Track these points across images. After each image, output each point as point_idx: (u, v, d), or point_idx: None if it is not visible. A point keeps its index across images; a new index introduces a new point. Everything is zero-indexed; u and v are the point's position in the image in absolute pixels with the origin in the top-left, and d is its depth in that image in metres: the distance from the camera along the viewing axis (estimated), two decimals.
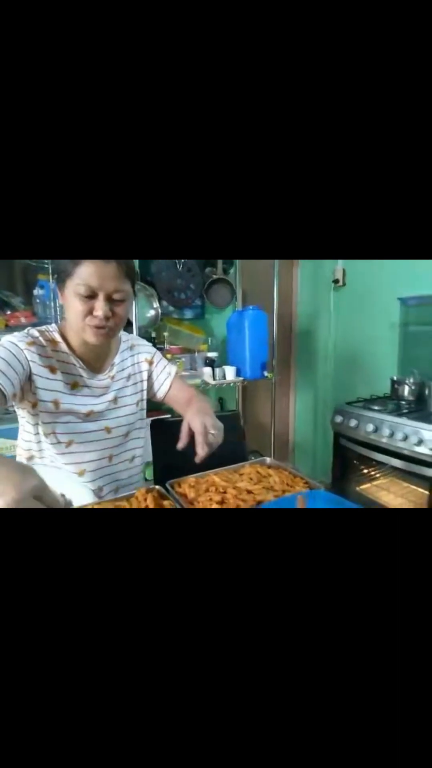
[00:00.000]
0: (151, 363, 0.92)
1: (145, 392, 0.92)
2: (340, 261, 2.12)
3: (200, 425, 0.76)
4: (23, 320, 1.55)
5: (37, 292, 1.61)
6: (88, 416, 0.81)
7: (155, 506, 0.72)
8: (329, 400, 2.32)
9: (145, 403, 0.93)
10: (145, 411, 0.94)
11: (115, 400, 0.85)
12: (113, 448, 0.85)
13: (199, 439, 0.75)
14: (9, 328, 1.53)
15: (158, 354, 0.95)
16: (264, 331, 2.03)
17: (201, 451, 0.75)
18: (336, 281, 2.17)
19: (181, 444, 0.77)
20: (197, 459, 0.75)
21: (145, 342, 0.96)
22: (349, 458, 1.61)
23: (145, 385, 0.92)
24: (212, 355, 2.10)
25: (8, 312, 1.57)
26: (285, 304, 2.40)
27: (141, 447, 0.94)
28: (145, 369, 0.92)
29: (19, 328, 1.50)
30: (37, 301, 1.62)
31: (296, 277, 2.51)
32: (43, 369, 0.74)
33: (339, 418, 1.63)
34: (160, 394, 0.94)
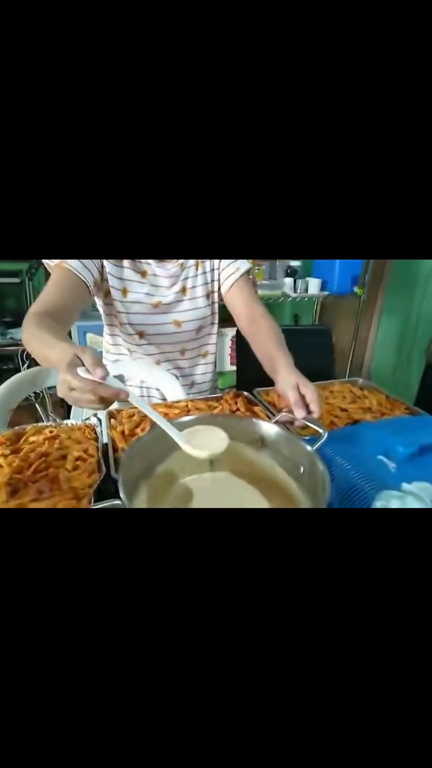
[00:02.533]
0: None
1: (216, 283, 0.85)
2: None
3: (315, 396, 0.56)
4: None
5: None
6: (156, 307, 0.80)
7: (245, 409, 0.72)
8: (423, 328, 2.04)
9: (216, 296, 0.87)
10: (216, 305, 0.89)
11: (183, 290, 0.82)
12: (185, 342, 0.85)
13: (315, 407, 0.55)
14: None
15: None
16: None
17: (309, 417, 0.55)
18: None
19: (298, 413, 0.56)
20: (296, 427, 0.59)
21: None
22: None
23: (216, 275, 0.84)
24: (295, 264, 1.89)
25: None
26: None
27: (213, 344, 0.92)
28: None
29: None
30: None
31: None
32: None
33: None
34: (222, 291, 0.86)
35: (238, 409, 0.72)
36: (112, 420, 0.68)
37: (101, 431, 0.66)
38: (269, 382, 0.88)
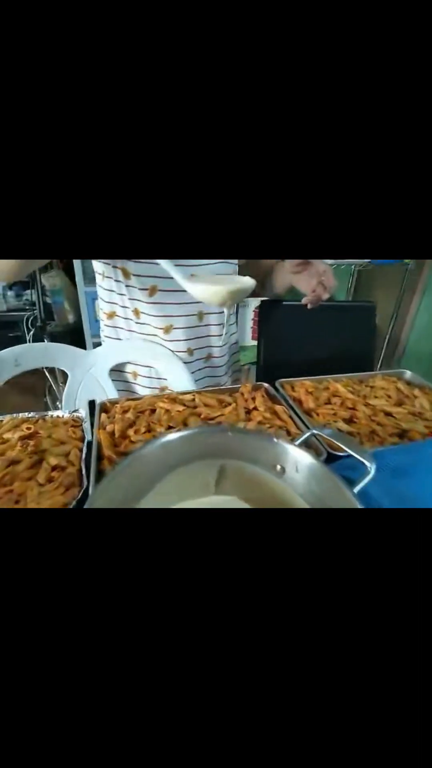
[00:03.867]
0: None
1: None
2: None
3: (322, 264, 0.67)
4: None
5: None
6: None
7: (264, 408, 0.59)
8: None
9: None
10: (237, 267, 0.76)
11: None
12: (203, 304, 0.71)
13: (327, 280, 0.65)
14: None
15: None
16: None
17: (323, 293, 0.65)
18: None
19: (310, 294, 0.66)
20: (308, 300, 0.66)
21: None
22: None
23: None
24: None
25: None
26: None
27: (232, 313, 0.81)
28: None
29: None
30: None
31: None
32: None
33: None
34: None
35: (255, 408, 0.59)
36: (104, 414, 0.57)
37: (87, 428, 0.55)
38: (294, 365, 0.74)
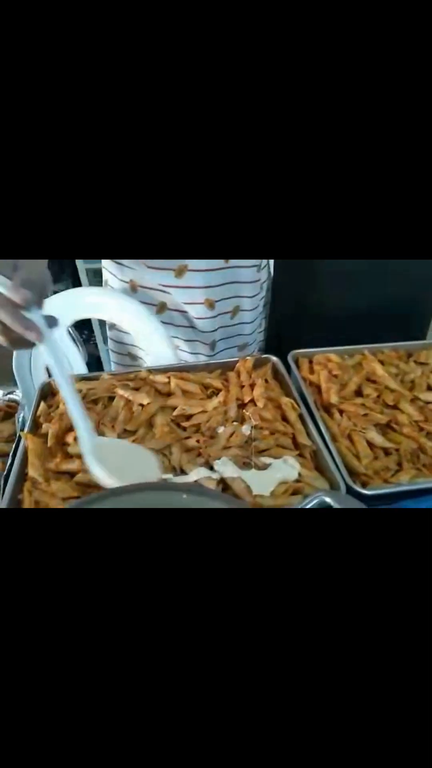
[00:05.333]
0: None
1: None
2: None
3: None
4: None
5: None
6: None
7: (264, 403, 0.41)
8: None
9: None
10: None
11: None
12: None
13: None
14: None
15: None
16: None
17: None
18: None
19: None
20: None
21: None
22: None
23: None
24: None
25: None
26: None
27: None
28: None
29: None
30: None
31: None
32: None
33: None
34: None
35: (252, 401, 0.42)
36: (43, 403, 0.42)
37: (21, 419, 0.41)
38: (321, 321, 0.53)
